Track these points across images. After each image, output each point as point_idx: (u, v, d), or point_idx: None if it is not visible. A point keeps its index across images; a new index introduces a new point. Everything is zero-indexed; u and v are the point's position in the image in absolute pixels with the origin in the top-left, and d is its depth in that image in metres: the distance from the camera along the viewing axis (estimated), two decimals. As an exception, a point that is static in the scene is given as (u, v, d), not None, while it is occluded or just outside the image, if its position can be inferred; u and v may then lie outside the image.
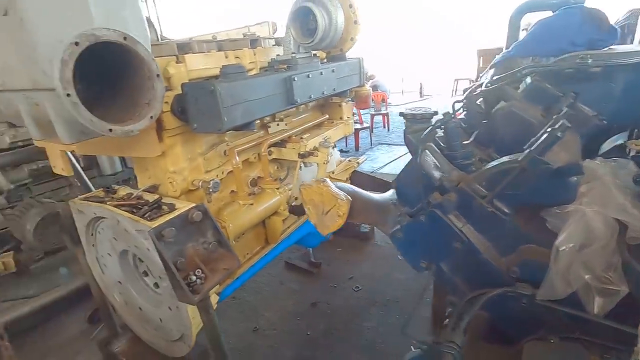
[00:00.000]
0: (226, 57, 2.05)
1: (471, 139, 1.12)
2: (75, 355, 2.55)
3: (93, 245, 2.06)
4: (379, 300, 2.79)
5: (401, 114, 1.26)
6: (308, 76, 2.13)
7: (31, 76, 1.26)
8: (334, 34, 2.08)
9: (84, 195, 1.97)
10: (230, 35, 2.57)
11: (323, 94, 2.33)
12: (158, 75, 1.52)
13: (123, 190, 1.98)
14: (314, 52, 2.33)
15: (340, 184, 1.43)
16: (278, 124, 2.48)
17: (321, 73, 2.26)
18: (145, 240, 1.64)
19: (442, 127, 1.12)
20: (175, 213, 1.66)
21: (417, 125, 1.21)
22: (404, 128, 1.28)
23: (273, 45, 2.49)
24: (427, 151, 1.09)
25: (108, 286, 2.17)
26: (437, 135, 1.18)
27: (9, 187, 2.84)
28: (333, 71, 2.38)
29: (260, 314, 2.74)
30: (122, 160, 3.63)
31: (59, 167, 1.66)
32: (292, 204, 2.43)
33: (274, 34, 3.10)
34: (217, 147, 2.06)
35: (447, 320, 1.32)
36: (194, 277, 1.60)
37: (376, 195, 1.51)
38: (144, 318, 2.09)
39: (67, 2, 1.22)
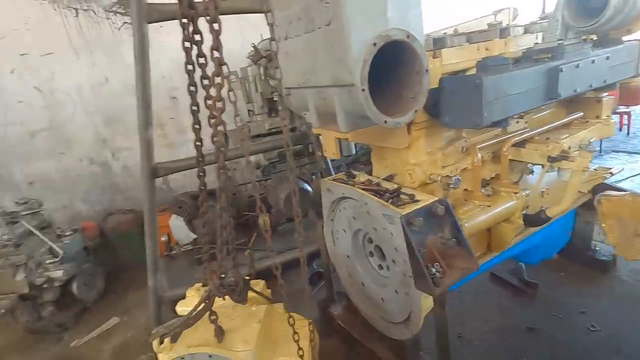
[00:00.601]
0: (477, 50, 1.96)
1: None
2: (298, 306, 3.08)
3: (332, 220, 2.39)
4: (629, 350, 2.18)
5: None
6: (577, 66, 1.80)
7: (334, 75, 1.52)
8: (630, 9, 1.67)
9: (332, 177, 2.30)
10: (471, 26, 2.45)
11: (590, 86, 1.94)
12: (427, 70, 1.58)
13: (362, 176, 2.20)
14: (584, 37, 1.95)
15: (664, 200, 1.12)
16: (518, 122, 2.23)
17: (593, 61, 1.88)
18: (390, 225, 1.77)
19: None
20: (421, 204, 1.71)
21: None
22: None
23: (523, 33, 2.23)
24: None
25: (336, 257, 2.50)
26: None
27: (265, 163, 3.67)
28: (607, 58, 1.94)
29: (464, 321, 2.60)
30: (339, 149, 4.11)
31: (331, 151, 1.98)
32: (526, 213, 2.15)
33: (513, 20, 2.79)
34: (456, 143, 2.02)
35: None
36: (433, 270, 1.63)
37: None
38: (365, 293, 2.30)
39: (373, 9, 1.40)
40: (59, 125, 4.22)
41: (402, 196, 1.87)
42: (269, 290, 2.09)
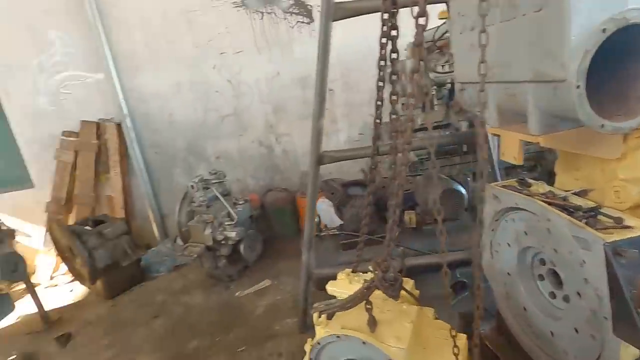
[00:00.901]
0: None
1: None
2: (439, 312, 2.93)
3: (493, 230, 2.15)
4: None
5: None
6: None
7: (538, 68, 1.32)
8: None
9: (500, 183, 2.05)
10: None
11: None
12: (674, 62, 1.21)
13: (541, 187, 1.89)
14: None
15: None
16: None
17: None
18: (583, 250, 1.46)
19: None
20: (636, 232, 1.36)
21: None
22: None
23: None
24: None
25: (492, 272, 2.24)
26: None
27: (414, 159, 3.57)
28: None
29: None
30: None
31: (511, 155, 1.77)
32: None
33: None
34: (700, 158, 1.50)
35: None
36: (645, 317, 1.27)
37: None
38: (526, 320, 2.01)
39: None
40: (240, 112, 5.08)
41: (601, 217, 1.53)
42: (418, 291, 2.04)
